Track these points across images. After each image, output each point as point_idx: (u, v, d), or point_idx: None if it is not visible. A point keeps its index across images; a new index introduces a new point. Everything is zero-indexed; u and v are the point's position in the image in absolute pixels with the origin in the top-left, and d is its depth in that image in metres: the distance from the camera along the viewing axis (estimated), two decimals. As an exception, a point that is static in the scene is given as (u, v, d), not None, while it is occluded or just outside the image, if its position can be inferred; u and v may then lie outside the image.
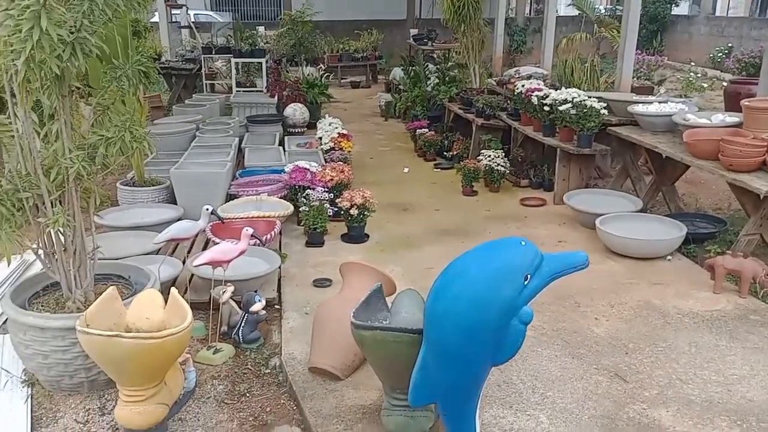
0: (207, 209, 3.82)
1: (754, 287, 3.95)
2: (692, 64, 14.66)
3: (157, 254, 4.22)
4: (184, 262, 4.28)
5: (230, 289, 3.59)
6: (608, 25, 13.80)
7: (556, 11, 9.39)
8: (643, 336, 3.53)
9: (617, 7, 19.21)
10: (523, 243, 2.14)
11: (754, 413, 2.85)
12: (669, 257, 4.53)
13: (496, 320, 2.05)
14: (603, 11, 16.47)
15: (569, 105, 5.62)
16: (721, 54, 15.01)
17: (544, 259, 2.12)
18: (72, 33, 2.63)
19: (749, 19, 16.73)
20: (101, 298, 2.75)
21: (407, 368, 2.33)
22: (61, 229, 2.90)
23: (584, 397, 2.97)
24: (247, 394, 3.15)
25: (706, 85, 12.13)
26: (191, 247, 4.70)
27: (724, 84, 12.74)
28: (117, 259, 3.76)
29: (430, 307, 2.16)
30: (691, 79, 12.11)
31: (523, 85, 6.54)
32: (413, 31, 15.06)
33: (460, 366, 2.11)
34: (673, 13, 18.23)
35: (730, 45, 15.23)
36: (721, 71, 14.24)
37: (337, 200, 5.04)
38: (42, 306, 3.10)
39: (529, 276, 2.06)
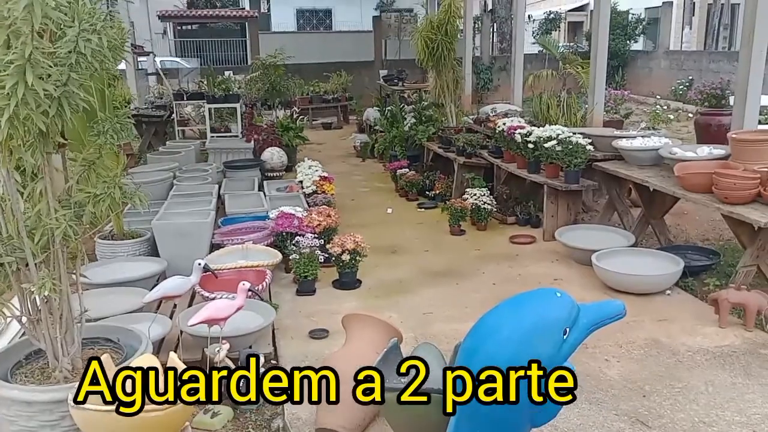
0: (199, 263, 3.64)
1: (759, 320, 3.90)
2: (658, 97, 15.07)
3: (141, 311, 3.99)
4: (171, 317, 4.07)
5: (225, 347, 3.39)
6: (572, 62, 14.13)
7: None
8: (657, 377, 3.43)
9: (577, 45, 19.86)
10: (558, 294, 2.02)
11: (785, 455, 2.75)
12: (668, 292, 4.48)
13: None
14: (563, 49, 16.90)
15: (554, 142, 5.62)
16: (682, 87, 15.46)
17: (581, 309, 2.00)
18: (58, 87, 2.49)
19: (706, 53, 17.35)
20: (94, 367, 2.55)
21: (434, 431, 2.17)
22: (47, 294, 2.70)
23: (609, 447, 2.85)
24: (251, 462, 2.94)
25: (672, 117, 12.43)
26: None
27: (690, 115, 13.12)
28: (99, 318, 3.54)
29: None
30: (657, 111, 12.40)
31: (504, 123, 6.55)
32: (383, 72, 15.23)
33: (498, 429, 1.96)
34: (632, 48, 18.84)
35: (690, 78, 15.72)
36: (684, 103, 14.65)
37: (327, 246, 4.90)
38: (26, 377, 2.86)
39: (567, 330, 1.94)
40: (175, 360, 2.60)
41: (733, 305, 3.92)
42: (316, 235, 5.07)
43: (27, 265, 2.71)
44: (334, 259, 4.81)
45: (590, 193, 6.43)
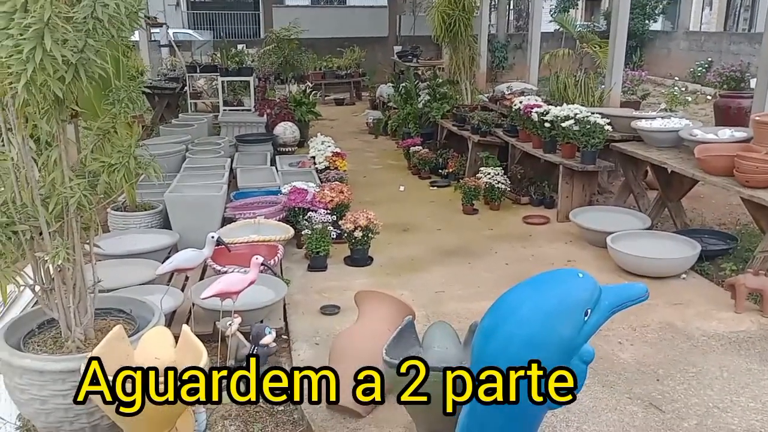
0: (212, 237, 3.61)
1: (776, 306, 3.85)
2: (676, 78, 14.82)
3: (153, 284, 3.99)
4: (182, 290, 4.07)
5: (237, 320, 3.39)
6: (590, 41, 13.90)
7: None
8: (671, 361, 3.40)
9: (595, 24, 19.54)
10: (581, 275, 1.98)
11: (800, 442, 2.72)
12: (684, 276, 4.43)
13: (555, 361, 1.88)
14: (580, 27, 16.63)
15: (572, 121, 5.53)
16: (701, 68, 15.20)
17: (603, 291, 1.96)
18: (75, 53, 2.44)
19: (727, 34, 17.02)
20: (107, 338, 2.54)
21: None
22: (61, 264, 2.68)
23: (621, 430, 2.82)
24: (262, 436, 2.94)
25: (690, 99, 12.23)
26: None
27: (708, 98, 12.92)
28: (112, 290, 3.53)
29: (479, 349, 1.98)
30: (675, 93, 12.20)
31: (521, 102, 6.45)
32: (397, 48, 15.06)
33: (514, 411, 1.93)
34: (651, 29, 18.50)
35: (709, 59, 15.44)
36: (702, 85, 14.40)
37: (340, 222, 4.87)
38: (39, 346, 2.86)
39: (589, 311, 1.90)
40: (187, 333, 2.59)
41: (750, 290, 3.87)
42: (328, 211, 5.04)
43: (41, 234, 2.70)
44: (346, 235, 4.78)
45: (605, 174, 6.34)
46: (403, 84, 9.51)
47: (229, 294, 3.27)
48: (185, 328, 2.60)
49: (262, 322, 3.60)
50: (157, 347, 2.57)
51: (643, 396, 3.08)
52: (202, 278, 4.30)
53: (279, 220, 5.08)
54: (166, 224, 5.06)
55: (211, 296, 3.28)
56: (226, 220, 5.14)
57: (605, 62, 8.07)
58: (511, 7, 20.48)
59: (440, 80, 9.13)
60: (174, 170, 6.00)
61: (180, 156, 6.58)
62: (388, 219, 5.51)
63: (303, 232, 4.81)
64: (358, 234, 4.72)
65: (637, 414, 2.94)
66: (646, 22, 18.19)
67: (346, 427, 2.88)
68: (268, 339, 3.29)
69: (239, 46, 11.86)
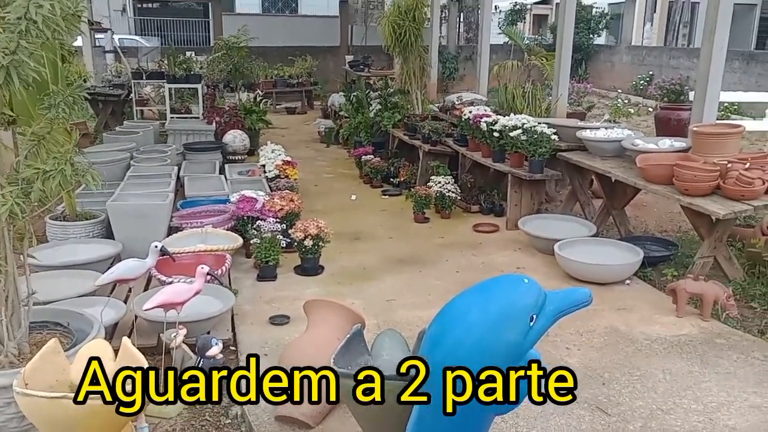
0: (156, 246, 3.51)
1: (715, 310, 3.98)
2: (619, 91, 15.29)
3: (94, 295, 3.84)
4: (125, 302, 3.93)
5: (183, 332, 3.29)
6: (537, 54, 14.22)
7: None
8: (616, 365, 3.46)
9: (542, 37, 20.02)
10: (526, 281, 1.99)
11: (738, 442, 2.80)
12: (628, 281, 4.54)
13: (502, 367, 1.88)
14: (528, 40, 17.02)
15: (520, 131, 5.62)
16: (643, 81, 15.73)
17: (548, 297, 1.98)
18: (6, 55, 2.34)
19: (667, 49, 17.69)
20: (41, 352, 2.43)
21: (399, 418, 2.13)
22: (-8, 275, 2.55)
23: (569, 434, 2.85)
24: (208, 451, 2.86)
25: (632, 111, 12.63)
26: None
27: (650, 110, 13.36)
28: (50, 302, 3.39)
29: (427, 356, 1.96)
30: (618, 105, 12.58)
31: (470, 112, 6.53)
32: (349, 58, 15.08)
33: (462, 418, 1.92)
34: (595, 43, 19.07)
35: (651, 73, 16.01)
36: (644, 98, 14.90)
37: (290, 231, 4.80)
38: (-32, 362, 2.71)
39: (534, 316, 1.91)
40: (127, 345, 2.49)
41: (690, 295, 3.98)
42: (278, 220, 4.98)
43: (-30, 244, 2.57)
44: (296, 244, 4.72)
45: (553, 183, 6.47)
46: (355, 93, 9.51)
47: (174, 305, 3.17)
48: (125, 340, 2.51)
49: (208, 333, 3.51)
50: (95, 361, 2.46)
51: (589, 400, 3.13)
52: (146, 289, 4.17)
53: (227, 230, 4.99)
54: (109, 234, 4.90)
55: (154, 307, 3.17)
56: (172, 230, 5.01)
57: (552, 74, 8.25)
58: (462, 19, 20.78)
59: (391, 90, 9.16)
60: (118, 179, 5.82)
61: (124, 164, 6.39)
62: (340, 228, 5.48)
63: (252, 242, 4.73)
64: (308, 243, 4.66)
65: (584, 418, 2.98)
66: (591, 36, 18.75)
67: (295, 438, 2.83)
68: (214, 351, 3.20)
69: (188, 53, 11.67)
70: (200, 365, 3.19)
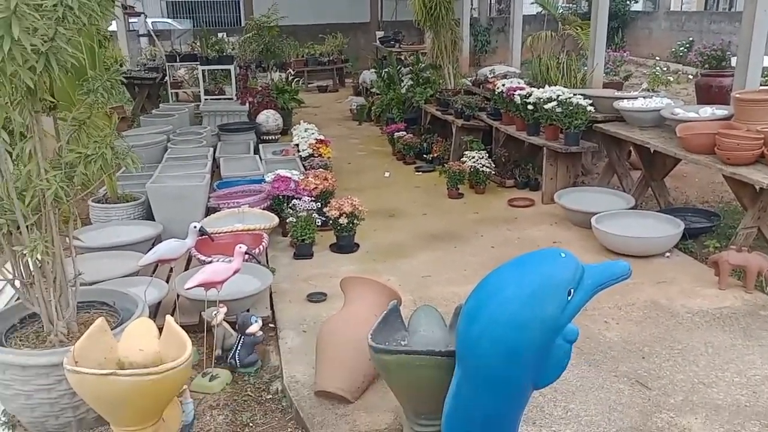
0: (195, 227, 3.58)
1: (759, 281, 3.89)
2: (657, 59, 14.85)
3: (137, 275, 3.95)
4: (167, 281, 4.03)
5: (223, 310, 3.37)
6: (572, 23, 13.87)
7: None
8: (656, 338, 3.42)
9: (575, 5, 19.50)
10: (563, 255, 1.97)
11: (783, 415, 2.76)
12: (668, 254, 4.46)
13: (539, 342, 1.88)
14: (562, 9, 16.58)
15: (554, 103, 5.53)
16: (683, 48, 15.24)
17: (585, 270, 1.96)
18: (45, 42, 2.39)
19: (707, 13, 17.06)
20: (89, 331, 2.51)
21: (435, 392, 2.15)
22: (39, 257, 2.64)
23: (609, 409, 2.84)
24: (251, 424, 2.93)
25: (671, 79, 12.27)
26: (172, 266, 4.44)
27: (690, 77, 12.97)
28: (94, 283, 3.50)
29: (464, 331, 1.97)
30: (657, 73, 12.24)
31: (503, 85, 6.44)
32: (379, 34, 14.94)
33: (500, 393, 1.93)
34: (632, 9, 18.51)
35: (690, 39, 15.48)
36: (684, 65, 14.45)
37: (325, 209, 4.84)
38: (21, 341, 2.83)
39: (572, 290, 1.90)
40: (171, 323, 2.56)
41: (733, 267, 3.90)
42: (313, 199, 5.02)
43: (18, 227, 2.66)
44: (331, 222, 4.76)
45: (589, 155, 6.36)
46: (386, 69, 9.45)
47: (214, 284, 3.24)
48: (169, 318, 2.58)
49: (248, 311, 3.58)
50: (141, 339, 2.54)
51: (629, 374, 3.10)
52: (186, 269, 4.26)
53: (263, 209, 5.05)
54: (148, 215, 5.01)
55: (195, 286, 3.25)
56: (210, 210, 5.09)
57: (587, 44, 8.07)
58: (493, -10, 20.39)
59: (423, 65, 9.08)
60: (156, 161, 5.94)
61: (161, 146, 6.51)
62: (374, 205, 5.50)
63: (288, 220, 4.78)
64: (343, 221, 4.69)
65: (623, 391, 2.96)
66: (627, 2, 18.18)
67: (334, 413, 2.88)
68: (254, 328, 3.28)
69: (219, 35, 11.73)
70: (242, 341, 3.27)
